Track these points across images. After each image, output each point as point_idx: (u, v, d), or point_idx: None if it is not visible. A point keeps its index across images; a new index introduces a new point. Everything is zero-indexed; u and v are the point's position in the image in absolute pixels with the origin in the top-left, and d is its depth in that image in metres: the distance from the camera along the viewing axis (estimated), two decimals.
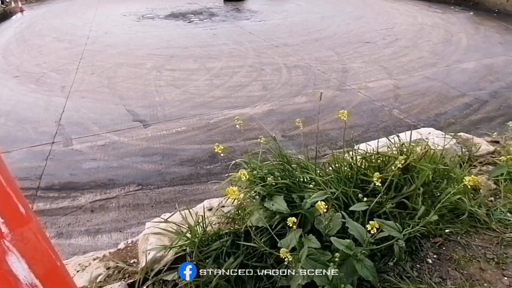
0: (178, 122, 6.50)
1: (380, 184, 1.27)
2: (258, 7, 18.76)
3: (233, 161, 1.63)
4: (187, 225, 1.62)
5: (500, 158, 2.17)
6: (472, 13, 15.40)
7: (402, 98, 7.30)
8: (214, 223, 1.78)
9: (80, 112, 7.13)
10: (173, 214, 1.67)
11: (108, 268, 1.83)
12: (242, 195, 1.48)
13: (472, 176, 1.29)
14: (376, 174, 1.29)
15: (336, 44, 11.39)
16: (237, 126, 1.55)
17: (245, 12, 17.45)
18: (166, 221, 1.56)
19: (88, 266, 1.92)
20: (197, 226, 1.63)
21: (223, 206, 1.82)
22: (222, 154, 1.62)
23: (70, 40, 13.15)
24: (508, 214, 1.79)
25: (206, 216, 1.63)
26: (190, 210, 1.68)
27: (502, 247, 1.61)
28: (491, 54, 9.88)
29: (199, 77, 8.83)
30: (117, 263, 1.84)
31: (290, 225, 1.14)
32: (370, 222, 1.08)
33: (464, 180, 1.26)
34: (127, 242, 2.21)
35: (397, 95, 7.45)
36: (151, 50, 11.52)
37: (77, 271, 1.87)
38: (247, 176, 1.19)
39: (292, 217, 1.25)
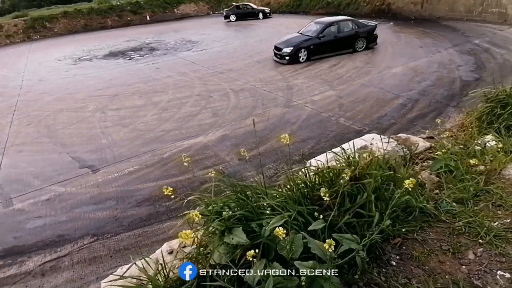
0: (130, 162, 6.19)
1: (328, 199, 1.30)
2: (198, 37, 19.10)
3: (187, 199, 1.57)
4: (147, 277, 1.49)
5: (437, 153, 2.38)
6: (392, 23, 17.22)
7: (345, 107, 7.76)
8: (176, 266, 1.67)
9: (18, 167, 6.48)
10: (130, 267, 1.53)
11: None
12: (200, 234, 1.41)
13: (411, 179, 1.38)
14: (323, 189, 1.32)
15: (278, 64, 11.93)
16: (185, 163, 1.50)
17: (185, 44, 17.62)
18: (122, 277, 1.41)
19: None
20: (158, 275, 1.51)
21: (185, 247, 1.73)
22: (180, 189, 1.55)
23: (2, 92, 12.14)
24: (454, 204, 1.93)
25: (166, 262, 1.52)
26: (148, 258, 1.56)
27: (454, 236, 1.73)
28: (414, 58, 11.03)
29: (147, 112, 8.59)
30: None
31: (250, 259, 1.10)
32: (327, 240, 1.08)
33: (404, 183, 1.35)
34: None
35: (341, 104, 7.91)
36: (92, 91, 11.03)
37: None
38: (199, 217, 1.14)
39: (253, 247, 1.22)
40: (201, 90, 9.93)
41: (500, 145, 2.33)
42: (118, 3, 31.32)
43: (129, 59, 15.55)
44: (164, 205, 4.93)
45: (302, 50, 11.77)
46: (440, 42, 12.46)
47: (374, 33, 12.61)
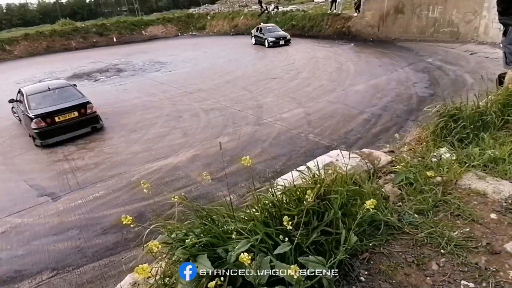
0: (95, 187, 5.89)
1: (291, 227, 1.30)
2: (167, 58, 19.04)
3: (149, 228, 1.50)
4: None
5: (397, 167, 2.50)
6: (352, 44, 18.26)
7: (314, 123, 7.99)
8: None
9: None
10: None
11: None
12: (163, 263, 1.34)
13: (371, 199, 1.42)
14: (285, 218, 1.32)
15: (247, 83, 12.11)
16: (145, 190, 1.44)
17: (154, 65, 17.47)
18: None
19: None
20: None
21: (149, 277, 1.64)
22: (150, 212, 1.46)
23: None
24: (416, 216, 2.01)
25: None
26: None
27: (418, 248, 1.78)
28: (375, 76, 11.68)
29: (113, 135, 8.30)
30: None
31: None
32: (292, 266, 1.07)
33: (365, 203, 1.39)
34: None
35: (310, 121, 8.13)
36: None
37: None
38: (159, 247, 1.09)
39: (219, 275, 1.18)
40: (170, 110, 9.81)
41: (455, 157, 2.48)
42: (83, 24, 30.65)
43: (95, 81, 15.12)
44: (132, 231, 4.69)
45: None
46: (396, 62, 13.32)
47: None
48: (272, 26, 21.47)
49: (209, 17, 32.78)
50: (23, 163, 7.23)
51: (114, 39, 29.28)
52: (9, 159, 7.46)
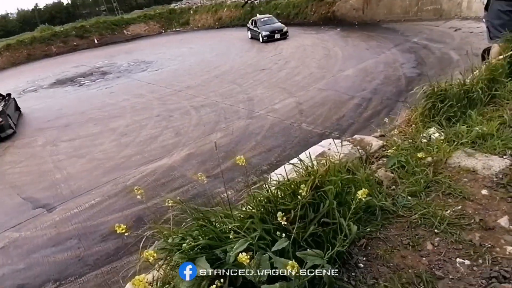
0: (90, 195, 5.85)
1: (286, 223, 1.31)
2: (152, 57, 18.76)
3: (145, 235, 1.50)
4: None
5: (389, 151, 2.52)
6: (339, 29, 18.17)
7: (306, 112, 7.99)
8: None
9: None
10: None
11: None
12: (162, 270, 1.35)
13: (363, 189, 1.44)
14: (279, 213, 1.33)
15: (236, 77, 12.03)
16: (138, 197, 1.44)
17: (139, 65, 17.21)
18: None
19: None
20: None
21: (150, 284, 1.64)
22: (148, 215, 1.46)
23: None
24: (409, 198, 2.04)
25: None
26: None
27: (412, 229, 1.81)
28: (363, 59, 11.69)
29: (104, 139, 8.21)
30: None
31: None
32: (289, 262, 1.09)
33: (357, 194, 1.40)
34: None
35: (301, 110, 8.14)
36: (39, 124, 10.33)
37: None
38: (154, 256, 1.09)
39: (219, 276, 1.19)
40: (160, 110, 9.72)
41: (443, 137, 2.51)
42: (62, 28, 29.95)
43: (79, 86, 14.86)
44: (132, 236, 4.68)
45: None
46: (383, 44, 13.34)
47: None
48: (268, 17, 19.51)
49: (191, 12, 32.24)
50: (14, 176, 7.15)
51: (95, 41, 28.72)
52: None
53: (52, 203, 5.78)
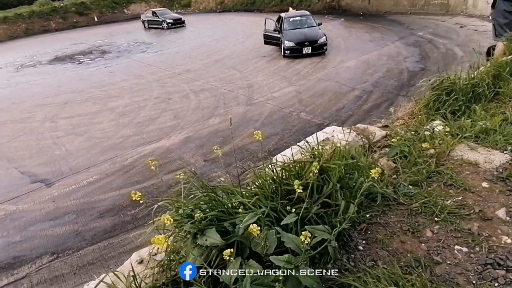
0: (88, 172, 5.85)
1: (302, 191, 1.34)
2: (153, 39, 18.46)
3: (157, 204, 1.52)
4: None
5: (392, 141, 2.55)
6: (343, 19, 17.95)
7: (305, 101, 7.98)
8: (148, 276, 1.61)
9: None
10: (98, 285, 1.45)
11: None
12: (171, 238, 1.38)
13: (377, 168, 1.46)
14: (296, 181, 1.35)
15: (236, 63, 11.91)
16: (152, 167, 1.45)
17: (139, 45, 16.94)
18: None
19: None
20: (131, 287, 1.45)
21: (155, 254, 1.67)
22: (146, 195, 1.48)
23: None
24: (410, 187, 2.08)
25: (137, 273, 1.46)
26: (116, 271, 1.49)
27: (413, 217, 1.85)
28: (365, 51, 11.61)
29: (103, 119, 8.15)
30: None
31: (227, 258, 1.10)
32: (303, 232, 1.12)
33: (370, 172, 1.43)
34: None
35: (301, 100, 8.12)
36: (38, 100, 10.22)
37: None
38: (171, 220, 1.11)
39: (228, 247, 1.22)
40: (159, 92, 9.64)
41: (447, 129, 2.54)
42: (62, 4, 29.24)
43: (79, 64, 14.63)
44: (129, 214, 4.73)
45: None
46: (387, 36, 13.23)
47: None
48: (301, 16, 12.93)
49: None
50: (11, 150, 7.10)
51: (95, 19, 28.14)
52: None
53: (50, 178, 5.78)
